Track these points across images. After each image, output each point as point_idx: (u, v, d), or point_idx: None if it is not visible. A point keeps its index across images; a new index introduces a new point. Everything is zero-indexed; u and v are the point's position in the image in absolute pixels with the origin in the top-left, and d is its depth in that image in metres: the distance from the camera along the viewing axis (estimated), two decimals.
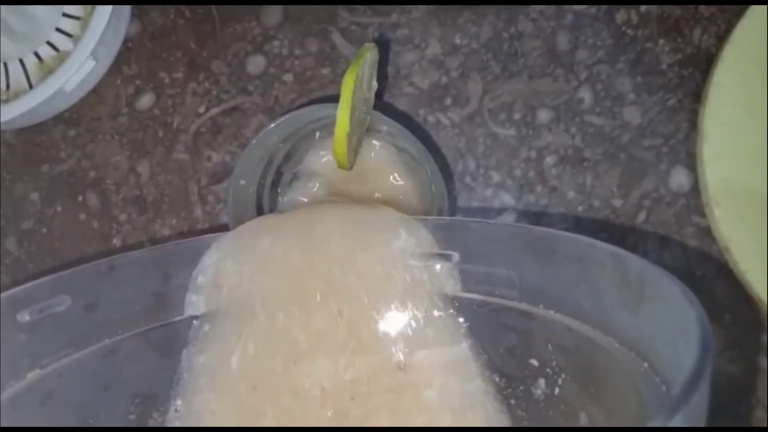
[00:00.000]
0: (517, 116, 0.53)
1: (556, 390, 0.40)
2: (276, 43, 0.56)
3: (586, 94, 0.53)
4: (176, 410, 0.45)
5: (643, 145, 0.52)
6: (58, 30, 0.57)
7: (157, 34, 0.58)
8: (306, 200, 0.51)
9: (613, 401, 0.36)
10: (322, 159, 0.51)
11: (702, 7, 0.52)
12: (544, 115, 0.53)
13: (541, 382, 0.40)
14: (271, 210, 0.51)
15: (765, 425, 0.50)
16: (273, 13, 0.56)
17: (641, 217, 0.52)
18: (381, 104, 0.54)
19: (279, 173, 0.51)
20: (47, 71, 0.56)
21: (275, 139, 0.49)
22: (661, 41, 0.52)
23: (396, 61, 0.55)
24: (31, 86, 0.56)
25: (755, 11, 0.48)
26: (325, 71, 0.56)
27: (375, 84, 0.48)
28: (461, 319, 0.43)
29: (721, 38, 0.52)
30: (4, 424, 0.40)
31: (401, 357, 0.43)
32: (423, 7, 0.55)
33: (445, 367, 0.43)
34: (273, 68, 0.56)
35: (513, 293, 0.40)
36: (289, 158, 0.51)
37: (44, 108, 0.54)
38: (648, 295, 0.34)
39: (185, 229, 0.57)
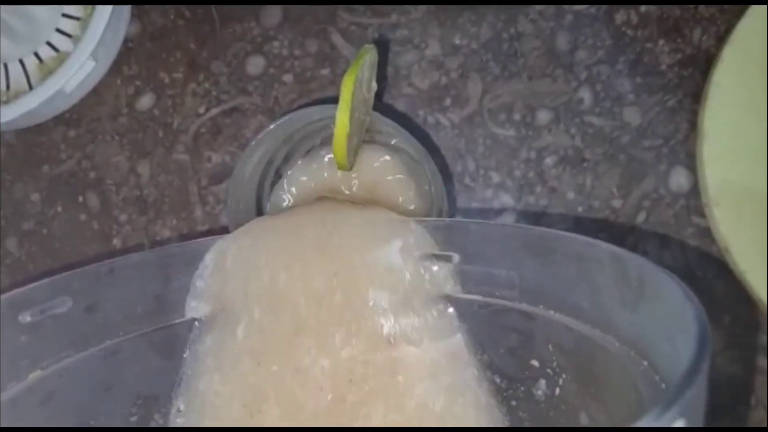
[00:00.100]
0: (516, 117, 0.53)
1: (557, 390, 0.40)
2: (276, 43, 0.56)
3: (585, 95, 0.53)
4: (178, 410, 0.45)
5: (642, 146, 0.52)
6: (58, 30, 0.57)
7: (156, 35, 0.58)
8: (305, 202, 0.51)
9: (614, 400, 0.36)
10: (322, 160, 0.51)
11: (702, 8, 0.52)
12: (543, 116, 0.53)
13: (542, 382, 0.40)
14: (271, 211, 0.51)
15: (765, 425, 0.50)
16: (273, 14, 0.56)
17: (641, 217, 0.52)
18: (380, 105, 0.54)
19: (279, 174, 0.51)
20: (47, 72, 0.56)
21: (275, 140, 0.49)
22: (661, 42, 0.52)
23: (395, 62, 0.55)
24: (31, 87, 0.56)
25: (755, 11, 0.48)
26: (324, 72, 0.56)
27: (375, 85, 0.48)
28: (451, 310, 0.43)
29: (721, 39, 0.52)
30: (4, 425, 0.40)
31: (391, 330, 0.43)
32: (422, 8, 0.55)
33: (438, 357, 0.43)
34: (273, 69, 0.56)
35: (513, 294, 0.40)
36: (288, 159, 0.51)
37: (44, 109, 0.54)
38: (647, 293, 0.34)
39: (185, 230, 0.57)
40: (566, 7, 0.53)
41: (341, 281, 0.43)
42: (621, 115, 0.52)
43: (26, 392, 0.41)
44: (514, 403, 0.42)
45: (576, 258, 0.38)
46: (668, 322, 0.32)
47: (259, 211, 0.51)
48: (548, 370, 0.40)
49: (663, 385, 0.31)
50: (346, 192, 0.50)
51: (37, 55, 0.57)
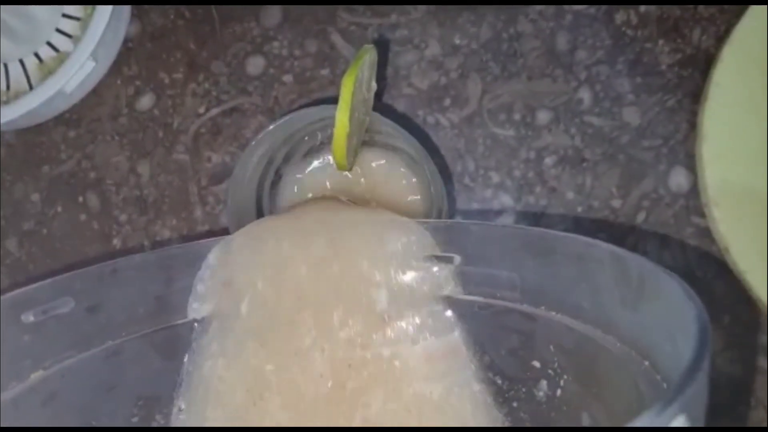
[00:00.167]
0: (516, 117, 0.53)
1: (558, 391, 0.40)
2: (275, 43, 0.56)
3: (585, 95, 0.53)
4: (180, 409, 0.45)
5: (642, 146, 0.52)
6: (58, 31, 0.57)
7: (156, 35, 0.58)
8: (305, 202, 0.51)
9: (615, 401, 0.37)
10: (322, 160, 0.51)
11: (701, 8, 0.52)
12: (543, 116, 0.53)
13: (543, 383, 0.40)
14: (271, 211, 0.51)
15: (765, 425, 0.50)
16: (272, 14, 0.56)
17: (640, 217, 0.52)
18: (380, 105, 0.54)
19: (279, 174, 0.51)
20: (47, 72, 0.56)
21: (275, 140, 0.49)
22: (661, 42, 0.53)
23: (395, 62, 0.55)
24: (31, 87, 0.56)
25: (754, 11, 0.48)
26: (324, 72, 0.56)
27: (374, 85, 0.48)
28: (450, 312, 0.43)
29: (721, 39, 0.52)
30: (6, 425, 0.40)
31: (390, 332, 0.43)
32: (422, 8, 0.55)
33: (436, 356, 0.43)
34: (272, 69, 0.56)
35: (514, 295, 0.40)
36: (288, 159, 0.51)
37: (44, 109, 0.54)
38: (647, 292, 0.34)
39: (185, 230, 0.57)
40: (566, 7, 0.53)
41: (344, 282, 0.43)
42: (620, 115, 0.52)
43: (28, 392, 0.41)
44: (515, 404, 0.42)
45: (576, 258, 0.38)
46: (669, 321, 0.32)
47: (259, 211, 0.51)
48: (549, 371, 0.40)
49: (664, 385, 0.31)
50: (346, 192, 0.50)
51: (37, 55, 0.57)
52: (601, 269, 0.36)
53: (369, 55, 0.46)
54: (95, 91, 0.58)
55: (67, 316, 0.42)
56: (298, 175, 0.52)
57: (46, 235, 0.58)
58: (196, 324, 0.46)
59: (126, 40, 0.58)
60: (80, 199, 0.58)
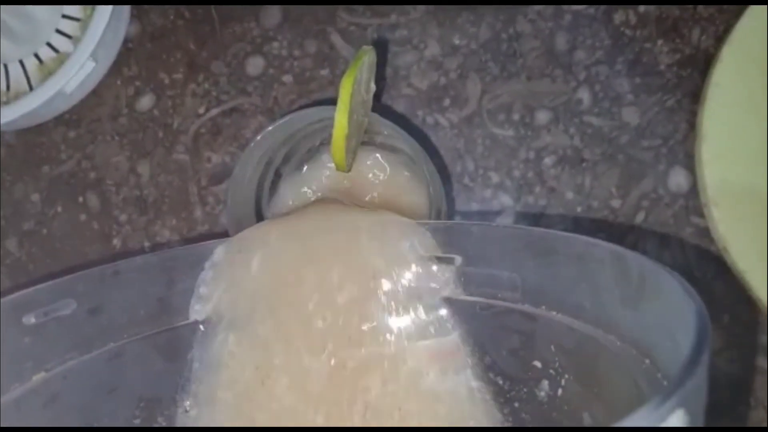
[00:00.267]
0: (515, 117, 0.54)
1: (560, 391, 0.40)
2: (275, 44, 0.56)
3: (584, 95, 0.53)
4: (186, 410, 0.45)
5: (641, 146, 0.52)
6: (58, 31, 0.57)
7: (156, 35, 0.58)
8: (305, 203, 0.51)
9: (616, 400, 0.37)
10: (321, 161, 0.51)
11: (700, 8, 0.52)
12: (542, 116, 0.53)
13: (545, 383, 0.40)
14: (271, 211, 0.52)
15: (764, 425, 0.50)
16: (272, 14, 0.56)
17: (640, 217, 0.52)
18: (380, 105, 0.55)
19: (278, 175, 0.51)
20: (47, 73, 0.56)
21: (274, 140, 0.49)
22: (660, 42, 0.53)
23: (394, 62, 0.55)
24: (31, 88, 0.56)
25: (754, 11, 0.48)
26: (324, 72, 0.56)
27: (373, 86, 0.48)
28: (449, 313, 0.43)
29: (720, 39, 0.52)
30: (8, 426, 0.40)
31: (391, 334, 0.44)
32: (422, 8, 0.55)
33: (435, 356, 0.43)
34: (272, 69, 0.56)
35: (515, 295, 0.40)
36: (288, 160, 0.51)
37: (44, 109, 0.54)
38: (648, 291, 0.34)
39: (185, 230, 0.57)
40: (565, 7, 0.53)
41: (345, 284, 0.43)
42: (620, 115, 0.53)
43: (30, 394, 0.41)
44: (517, 404, 0.42)
45: (577, 258, 0.38)
46: (669, 319, 0.32)
47: (259, 212, 0.51)
48: (551, 371, 0.40)
49: (665, 383, 0.31)
50: (345, 193, 0.50)
51: (37, 55, 0.57)
52: (602, 268, 0.37)
53: (368, 57, 0.46)
54: (95, 92, 0.58)
55: (69, 317, 0.42)
56: (298, 176, 0.52)
57: (46, 235, 0.58)
58: (201, 326, 0.46)
59: (126, 41, 0.58)
60: (80, 199, 0.58)
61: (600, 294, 0.37)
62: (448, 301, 0.43)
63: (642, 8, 0.53)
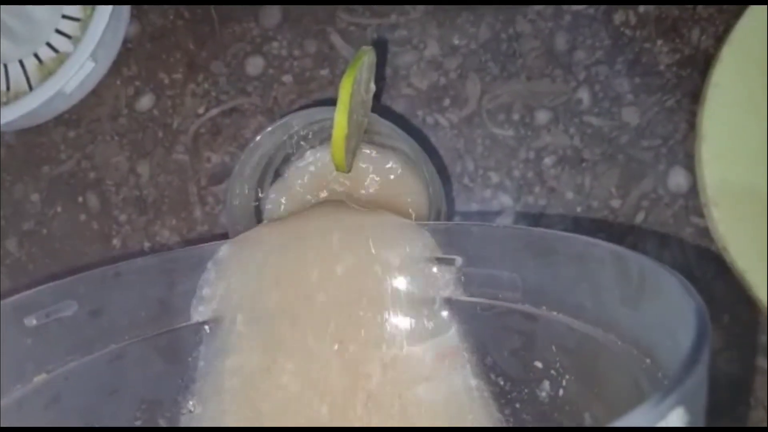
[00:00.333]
0: (515, 117, 0.54)
1: (561, 391, 0.40)
2: (275, 44, 0.56)
3: (584, 95, 0.53)
4: (191, 411, 0.45)
5: (641, 146, 0.52)
6: (58, 31, 0.57)
7: (156, 35, 0.58)
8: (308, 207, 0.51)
9: (617, 399, 0.37)
10: (321, 162, 0.51)
11: (700, 8, 0.52)
12: (542, 116, 0.53)
13: (546, 383, 0.40)
14: (270, 211, 0.52)
15: (764, 425, 0.50)
16: (272, 14, 0.56)
17: (640, 217, 0.52)
18: (379, 105, 0.55)
19: (278, 175, 0.51)
20: (47, 73, 0.56)
21: (274, 141, 0.49)
22: (660, 42, 0.53)
23: (394, 62, 0.55)
24: (30, 88, 0.56)
25: (754, 12, 0.48)
26: (323, 72, 0.56)
27: (373, 86, 0.48)
28: (450, 314, 0.44)
29: (720, 39, 0.52)
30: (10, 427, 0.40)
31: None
32: (421, 8, 0.55)
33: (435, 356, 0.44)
34: (272, 69, 0.56)
35: (516, 295, 0.40)
36: (287, 160, 0.51)
37: (44, 109, 0.54)
38: (648, 290, 0.34)
39: (185, 230, 0.57)
40: (565, 7, 0.53)
41: (346, 286, 0.43)
42: (620, 115, 0.53)
43: (31, 395, 0.41)
44: (518, 405, 0.42)
45: (577, 258, 0.38)
46: (669, 318, 0.32)
47: (258, 212, 0.51)
48: (551, 371, 0.40)
49: (666, 382, 0.31)
50: (345, 193, 0.50)
51: (36, 56, 0.57)
52: (602, 268, 0.37)
53: (367, 57, 0.46)
54: (95, 92, 0.58)
55: (70, 319, 0.42)
56: (297, 176, 0.52)
57: (45, 235, 0.58)
58: (207, 327, 0.46)
59: (125, 41, 0.58)
60: (80, 199, 0.58)
61: (600, 294, 0.37)
62: (449, 302, 0.43)
63: (642, 8, 0.53)
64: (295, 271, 0.45)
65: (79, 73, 0.54)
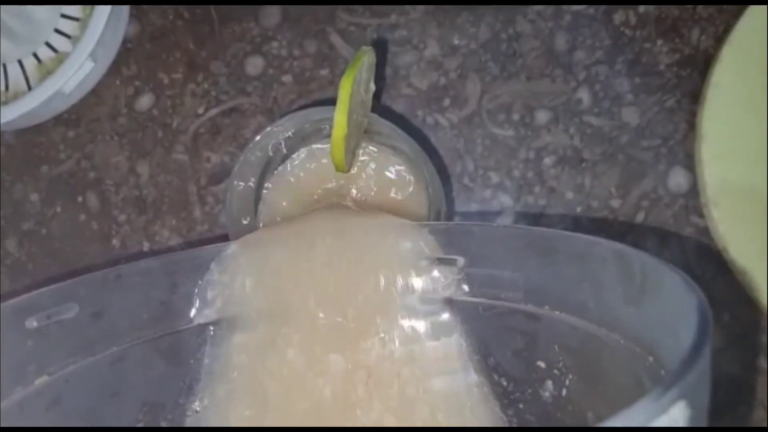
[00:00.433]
0: (515, 117, 0.54)
1: (564, 391, 0.40)
2: (275, 44, 0.56)
3: (584, 95, 0.53)
4: (196, 411, 0.45)
5: (641, 146, 0.52)
6: (57, 31, 0.56)
7: (156, 35, 0.58)
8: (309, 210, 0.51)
9: (620, 398, 0.37)
10: (321, 162, 0.51)
11: (700, 8, 0.52)
12: (542, 116, 0.53)
13: (549, 383, 0.40)
14: (270, 211, 0.51)
15: (765, 425, 0.50)
16: (272, 14, 0.56)
17: (640, 217, 0.52)
18: (379, 105, 0.55)
19: (278, 175, 0.51)
20: (46, 72, 0.56)
21: (274, 141, 0.49)
22: (660, 42, 0.53)
23: (394, 62, 0.55)
24: (30, 87, 0.56)
25: (753, 12, 0.48)
26: (323, 72, 0.56)
27: (372, 86, 0.48)
28: (451, 314, 0.44)
29: (720, 39, 0.52)
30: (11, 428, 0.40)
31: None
32: (421, 8, 0.55)
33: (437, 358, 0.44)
34: (272, 69, 0.56)
35: (518, 295, 0.40)
36: (287, 160, 0.51)
37: (43, 109, 0.54)
38: (650, 287, 0.34)
39: (184, 230, 0.57)
40: (565, 7, 0.53)
41: (347, 287, 0.43)
42: (620, 115, 0.53)
43: (32, 397, 0.41)
44: (521, 405, 0.42)
45: (579, 257, 0.38)
46: (672, 315, 0.32)
47: (258, 213, 0.51)
48: (555, 371, 0.40)
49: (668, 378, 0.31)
50: (344, 194, 0.50)
51: (36, 55, 0.57)
52: (604, 266, 0.37)
53: (367, 57, 0.46)
54: (94, 92, 0.58)
55: (72, 321, 0.42)
56: (297, 176, 0.52)
57: (45, 235, 0.58)
58: (211, 328, 0.46)
59: (125, 41, 0.58)
60: (79, 199, 0.58)
61: (602, 292, 0.37)
62: (450, 303, 0.43)
63: (642, 8, 0.53)
64: (296, 273, 0.45)
65: (78, 72, 0.54)
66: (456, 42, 0.54)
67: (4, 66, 0.57)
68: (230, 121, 0.57)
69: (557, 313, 0.39)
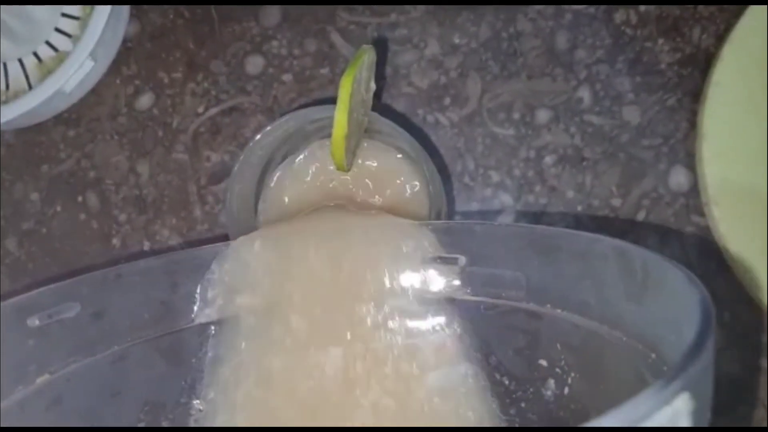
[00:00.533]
0: (516, 116, 0.54)
1: (566, 389, 0.40)
2: (275, 43, 0.56)
3: (585, 94, 0.53)
4: (200, 410, 0.45)
5: (642, 145, 0.52)
6: (57, 30, 0.56)
7: (156, 35, 0.58)
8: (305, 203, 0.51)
9: (623, 396, 0.36)
10: (321, 161, 0.51)
11: (701, 7, 0.52)
12: (543, 115, 0.53)
13: (551, 382, 0.40)
14: (270, 211, 0.51)
15: (765, 425, 0.50)
16: (272, 13, 0.56)
17: (640, 216, 0.52)
18: (380, 104, 0.54)
19: (278, 175, 0.51)
20: (46, 72, 0.56)
21: (274, 139, 0.49)
22: (660, 41, 0.53)
23: (395, 61, 0.55)
24: (30, 87, 0.56)
25: (754, 11, 0.48)
26: (323, 71, 0.56)
27: (373, 85, 0.48)
28: (452, 314, 0.44)
29: (720, 38, 0.52)
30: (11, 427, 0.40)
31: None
32: (422, 7, 0.55)
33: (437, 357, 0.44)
34: (272, 68, 0.56)
35: (519, 294, 0.40)
36: (287, 159, 0.51)
37: (44, 108, 0.54)
38: (652, 284, 0.34)
39: (185, 230, 0.57)
40: (565, 6, 0.53)
41: (348, 287, 0.43)
42: (620, 114, 0.53)
43: (33, 396, 0.41)
44: (523, 404, 0.42)
45: (580, 255, 0.38)
46: (674, 311, 0.32)
47: (258, 212, 0.51)
48: (557, 369, 0.40)
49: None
50: (344, 193, 0.50)
51: (36, 54, 0.56)
52: (606, 264, 0.37)
53: (367, 56, 0.46)
54: (94, 91, 0.58)
55: (73, 320, 0.42)
56: (297, 176, 0.52)
57: (45, 234, 0.58)
58: (212, 328, 0.46)
59: (125, 40, 0.58)
60: (80, 198, 0.58)
61: (604, 290, 0.37)
62: (452, 302, 0.43)
63: (642, 7, 0.53)
64: (297, 272, 0.45)
65: (78, 72, 0.54)
66: (456, 41, 0.54)
67: (5, 65, 0.57)
68: (230, 121, 0.56)
69: (559, 311, 0.39)
